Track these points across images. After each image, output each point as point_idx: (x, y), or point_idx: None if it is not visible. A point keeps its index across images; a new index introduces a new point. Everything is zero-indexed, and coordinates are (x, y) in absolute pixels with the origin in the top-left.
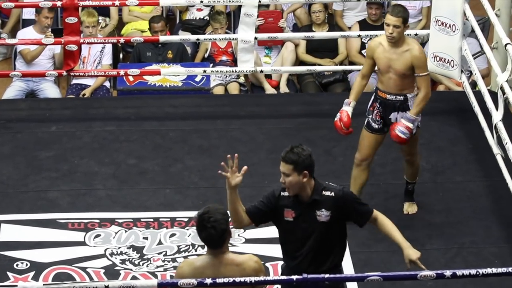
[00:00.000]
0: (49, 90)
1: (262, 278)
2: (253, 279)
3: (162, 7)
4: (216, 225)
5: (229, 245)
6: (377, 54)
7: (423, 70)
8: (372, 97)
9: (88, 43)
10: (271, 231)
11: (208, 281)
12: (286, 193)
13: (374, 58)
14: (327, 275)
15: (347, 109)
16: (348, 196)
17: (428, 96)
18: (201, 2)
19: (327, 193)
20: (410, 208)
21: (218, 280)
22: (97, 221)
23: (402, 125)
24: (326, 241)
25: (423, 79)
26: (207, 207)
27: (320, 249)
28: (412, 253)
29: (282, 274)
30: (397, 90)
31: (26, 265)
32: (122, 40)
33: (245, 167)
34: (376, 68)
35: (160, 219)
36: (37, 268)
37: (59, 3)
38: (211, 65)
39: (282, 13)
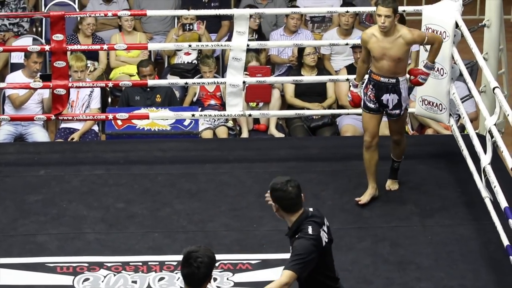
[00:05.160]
0: (38, 134)
1: None
2: None
3: (150, 51)
4: (202, 266)
5: (214, 277)
6: (371, 44)
7: (423, 37)
8: (366, 80)
9: (76, 87)
10: (259, 275)
11: None
12: None
13: (368, 48)
14: None
15: (357, 90)
16: (299, 243)
17: (441, 43)
18: (189, 46)
19: (298, 235)
20: (392, 185)
21: None
22: (86, 265)
23: (424, 73)
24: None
25: (430, 38)
26: (198, 246)
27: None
28: None
29: None
30: (390, 74)
31: None
32: (110, 84)
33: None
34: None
35: (149, 263)
36: None
37: (47, 47)
38: (200, 109)
39: (271, 69)
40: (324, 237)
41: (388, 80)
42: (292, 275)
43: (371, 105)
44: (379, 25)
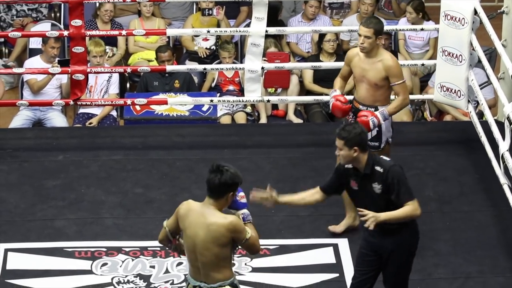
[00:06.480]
0: (56, 119)
1: None
2: None
3: (169, 37)
4: (225, 173)
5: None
6: (354, 63)
7: (398, 78)
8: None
9: (95, 72)
10: (277, 260)
11: None
12: (349, 166)
13: (351, 66)
14: None
15: (337, 92)
16: (394, 173)
17: (406, 102)
18: (208, 31)
19: (377, 168)
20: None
21: None
22: (104, 249)
23: (376, 117)
24: (385, 208)
25: (399, 87)
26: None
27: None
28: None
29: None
30: (369, 102)
31: None
32: (129, 70)
33: (268, 186)
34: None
35: (167, 248)
36: None
37: (66, 33)
38: (218, 94)
39: (289, 55)
40: None
41: (367, 108)
42: (415, 202)
43: None
44: (359, 45)
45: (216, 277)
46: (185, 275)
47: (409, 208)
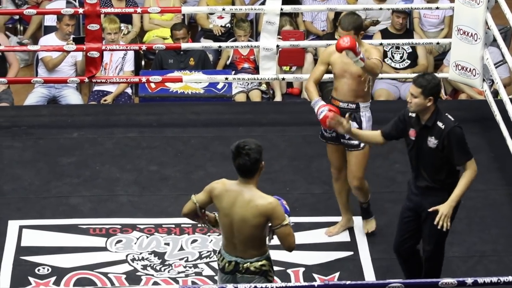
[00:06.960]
0: (71, 96)
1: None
2: None
3: (184, 14)
4: (250, 152)
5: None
6: (333, 59)
7: (377, 57)
8: None
9: (110, 49)
10: None
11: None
12: (413, 114)
13: (330, 63)
14: (348, 282)
15: (322, 101)
16: (454, 135)
17: (377, 65)
18: (223, 9)
19: (439, 123)
20: (368, 225)
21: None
22: (119, 226)
23: (357, 53)
24: (433, 164)
25: (376, 61)
26: (243, 139)
27: (429, 170)
28: (442, 208)
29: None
30: (350, 97)
31: (48, 270)
32: (144, 47)
33: (347, 115)
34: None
35: (182, 225)
36: (59, 273)
37: (81, 10)
38: (233, 72)
39: (304, 34)
40: None
41: (347, 105)
42: (472, 162)
43: (328, 135)
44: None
45: (253, 253)
46: (199, 252)
47: (467, 176)
